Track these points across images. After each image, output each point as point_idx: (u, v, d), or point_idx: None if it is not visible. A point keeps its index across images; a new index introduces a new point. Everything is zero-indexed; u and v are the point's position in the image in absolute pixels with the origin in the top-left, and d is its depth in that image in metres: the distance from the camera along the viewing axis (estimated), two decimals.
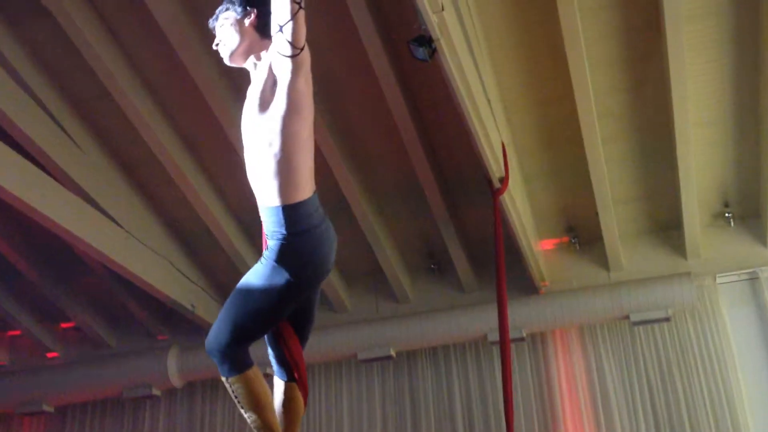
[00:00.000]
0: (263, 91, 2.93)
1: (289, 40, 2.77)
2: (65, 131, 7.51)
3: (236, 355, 2.99)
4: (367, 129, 7.80)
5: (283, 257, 2.93)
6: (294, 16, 2.73)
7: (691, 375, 8.59)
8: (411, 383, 9.48)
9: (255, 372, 3.04)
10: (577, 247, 8.96)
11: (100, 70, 6.83)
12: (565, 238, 9.01)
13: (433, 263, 9.34)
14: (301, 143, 2.92)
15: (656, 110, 7.38)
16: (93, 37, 6.59)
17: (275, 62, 2.88)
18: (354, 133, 7.76)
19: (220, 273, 9.21)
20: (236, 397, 3.04)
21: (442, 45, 5.16)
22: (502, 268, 6.66)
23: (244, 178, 3.13)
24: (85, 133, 7.77)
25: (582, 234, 8.87)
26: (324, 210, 3.08)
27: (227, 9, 3.16)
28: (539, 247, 8.87)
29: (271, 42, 3.03)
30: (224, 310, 3.02)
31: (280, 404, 3.21)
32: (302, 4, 2.73)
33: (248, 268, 3.13)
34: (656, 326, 8.82)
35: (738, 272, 8.86)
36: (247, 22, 3.10)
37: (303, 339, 3.26)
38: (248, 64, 3.12)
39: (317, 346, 8.49)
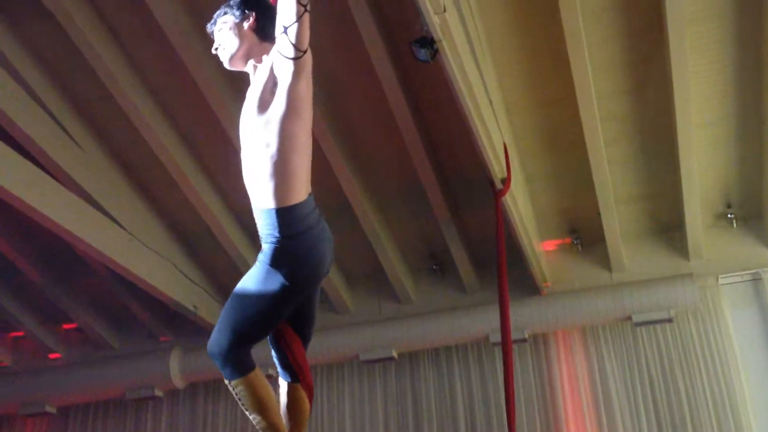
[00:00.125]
0: (263, 92, 2.92)
1: (293, 42, 2.77)
2: (66, 132, 7.51)
3: (237, 358, 2.99)
4: (369, 130, 7.81)
5: (277, 261, 2.93)
6: (299, 18, 2.73)
7: (694, 376, 8.58)
8: (413, 384, 9.48)
9: (257, 374, 3.04)
10: (580, 248, 8.95)
11: (101, 70, 6.83)
12: (568, 239, 9.00)
13: (435, 264, 9.33)
14: (299, 145, 2.92)
15: (659, 112, 7.37)
16: (94, 38, 6.59)
17: (277, 63, 2.88)
18: (356, 134, 7.76)
19: (222, 274, 9.21)
20: (240, 400, 3.04)
21: (444, 46, 5.16)
22: (503, 269, 6.66)
23: None
24: (87, 133, 7.77)
25: (584, 235, 8.87)
26: (321, 211, 3.06)
27: (225, 13, 3.15)
28: (541, 247, 8.86)
29: (270, 45, 3.03)
30: (223, 315, 3.03)
31: (285, 405, 3.22)
32: (308, 7, 2.73)
33: (250, 268, 3.13)
34: (659, 327, 8.81)
35: (740, 273, 8.86)
36: (246, 25, 3.10)
37: (305, 340, 3.25)
38: (248, 67, 3.12)
39: (319, 347, 8.49)
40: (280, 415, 3.13)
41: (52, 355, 10.34)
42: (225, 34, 3.12)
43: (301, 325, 3.22)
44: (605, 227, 8.29)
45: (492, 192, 6.96)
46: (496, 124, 6.71)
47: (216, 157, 7.95)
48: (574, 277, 8.97)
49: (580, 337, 9.12)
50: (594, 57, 6.69)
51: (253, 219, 3.08)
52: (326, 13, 6.17)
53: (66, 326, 10.28)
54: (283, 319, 3.10)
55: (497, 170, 6.75)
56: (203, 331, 9.32)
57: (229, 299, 3.04)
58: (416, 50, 5.28)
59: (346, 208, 8.19)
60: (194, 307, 8.96)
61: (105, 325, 10.15)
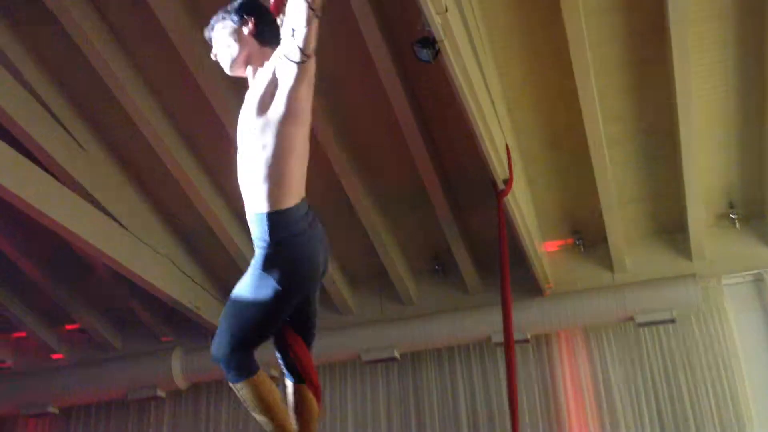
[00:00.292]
0: (263, 95, 2.91)
1: (300, 46, 2.76)
2: (67, 131, 7.50)
3: (240, 361, 2.99)
4: (371, 131, 7.80)
5: (268, 266, 2.93)
6: (309, 23, 2.72)
7: (697, 377, 8.56)
8: (415, 385, 9.48)
9: (261, 376, 3.04)
10: (582, 249, 8.95)
11: (102, 69, 6.83)
12: (570, 240, 8.99)
13: (437, 265, 9.33)
14: (295, 149, 2.90)
15: (661, 112, 7.37)
16: (95, 37, 6.59)
17: (280, 66, 2.86)
18: (358, 135, 7.75)
19: (223, 273, 9.21)
20: (245, 402, 3.04)
21: (446, 46, 5.16)
22: (506, 268, 6.66)
23: None
24: (88, 132, 7.77)
25: (586, 236, 8.86)
26: (318, 213, 3.05)
27: (224, 18, 3.13)
28: (543, 248, 8.86)
29: (269, 49, 3.03)
30: (222, 320, 3.03)
31: (293, 406, 3.21)
32: (318, 14, 2.71)
33: None
34: (661, 328, 8.80)
35: (743, 274, 8.84)
36: (245, 30, 3.08)
37: (308, 342, 3.24)
38: (247, 72, 3.11)
39: (321, 348, 8.35)
40: (287, 416, 3.12)
41: (54, 356, 10.35)
42: (224, 39, 3.11)
43: (303, 327, 3.21)
44: (607, 228, 8.29)
45: (494, 192, 6.96)
46: (498, 125, 6.70)
47: (217, 155, 7.94)
48: (577, 277, 8.96)
49: (583, 338, 9.11)
50: (596, 57, 6.69)
51: None
52: (328, 13, 6.18)
53: (68, 327, 10.29)
54: (282, 321, 3.09)
55: (499, 170, 6.75)
56: (205, 331, 9.35)
57: (226, 305, 3.05)
58: (418, 50, 5.28)
59: (349, 209, 8.19)
60: (196, 306, 8.96)
61: (107, 326, 10.16)
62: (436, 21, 4.93)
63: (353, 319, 9.48)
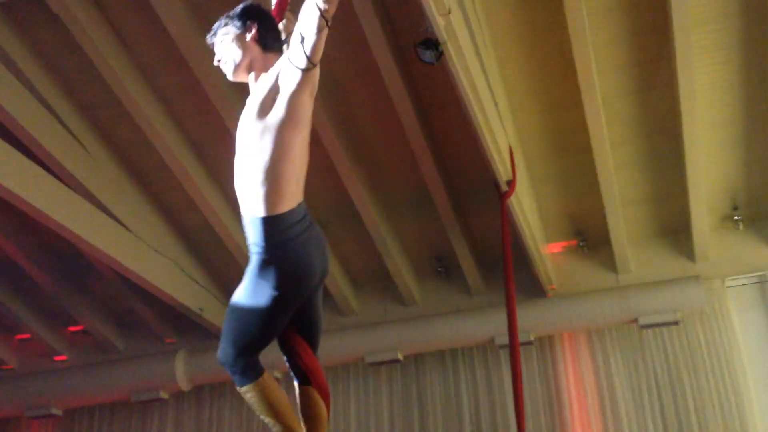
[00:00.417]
0: (265, 99, 2.89)
1: (308, 54, 2.74)
2: (74, 135, 7.55)
3: (245, 366, 2.99)
4: (375, 133, 7.81)
5: (263, 271, 2.91)
6: (320, 32, 2.71)
7: (700, 379, 8.55)
8: (418, 386, 9.47)
9: (266, 379, 3.03)
10: (585, 251, 8.93)
11: (109, 75, 6.87)
12: (573, 241, 8.98)
13: (440, 266, 9.32)
14: (293, 154, 2.89)
15: (664, 113, 7.36)
16: (102, 43, 6.64)
17: (284, 71, 2.85)
18: (361, 136, 7.76)
19: (228, 276, 9.22)
20: (252, 405, 3.04)
21: (449, 48, 5.17)
22: (510, 269, 6.66)
23: None
24: (95, 138, 7.82)
25: (590, 237, 8.85)
26: (312, 218, 3.02)
27: (226, 24, 3.12)
28: (547, 250, 8.85)
29: (272, 55, 3.03)
30: (224, 326, 3.03)
31: (301, 409, 3.20)
32: (329, 23, 2.71)
33: None
34: (665, 330, 8.78)
35: (747, 275, 8.83)
36: (248, 36, 3.07)
37: (313, 345, 3.22)
38: (249, 77, 3.10)
39: (324, 349, 8.30)
40: (294, 418, 3.11)
41: (57, 358, 10.35)
42: (227, 45, 3.10)
43: (307, 329, 3.19)
44: (611, 229, 8.27)
45: (497, 194, 6.96)
46: (501, 126, 6.70)
47: (222, 159, 7.94)
48: (580, 279, 8.95)
49: (586, 340, 9.10)
50: (599, 58, 6.69)
51: None
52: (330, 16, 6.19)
53: (72, 329, 10.30)
54: (283, 325, 3.08)
55: (502, 172, 6.75)
56: (209, 333, 9.35)
57: (227, 310, 3.04)
58: (421, 52, 5.28)
59: (352, 211, 8.19)
60: (200, 309, 8.97)
61: (110, 328, 10.16)
62: (439, 23, 4.94)
63: (356, 321, 9.48)
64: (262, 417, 3.08)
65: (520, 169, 7.38)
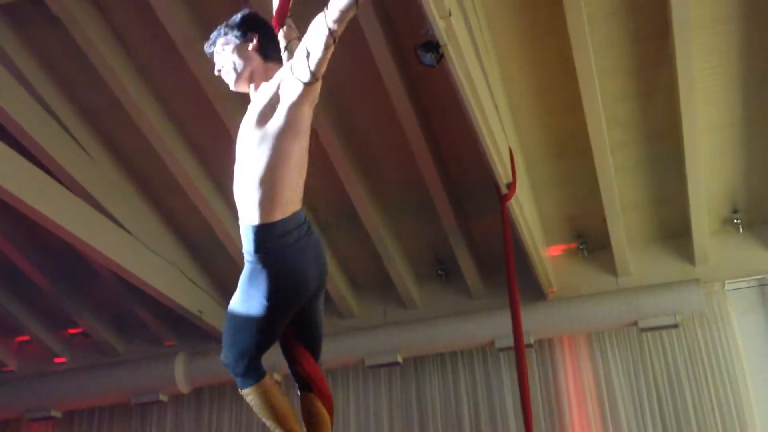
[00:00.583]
0: (265, 108, 2.89)
1: (312, 69, 2.74)
2: (75, 139, 7.57)
3: (245, 369, 2.99)
4: (375, 135, 7.82)
5: (253, 280, 2.91)
6: (327, 49, 2.69)
7: (700, 382, 8.54)
8: (418, 389, 9.46)
9: (268, 382, 3.03)
10: (585, 254, 8.93)
11: (111, 79, 6.89)
12: (573, 245, 8.98)
13: (440, 269, 9.32)
14: (290, 163, 2.88)
15: (665, 117, 7.37)
16: (104, 47, 6.67)
17: (286, 82, 2.84)
18: (362, 139, 7.77)
19: (228, 279, 9.20)
20: (253, 407, 3.04)
21: (450, 50, 5.16)
22: (512, 270, 6.66)
23: None
24: (95, 141, 7.83)
25: (590, 240, 8.85)
26: (311, 226, 3.00)
27: (226, 34, 3.10)
28: (547, 253, 8.85)
29: (272, 64, 3.04)
30: (223, 330, 3.04)
31: (303, 415, 3.19)
32: (336, 40, 2.71)
33: None
34: (664, 333, 8.77)
35: (747, 279, 8.82)
36: (250, 47, 3.07)
37: (314, 352, 3.20)
38: (250, 87, 3.09)
39: (324, 352, 8.31)
40: (296, 422, 3.10)
41: (57, 360, 10.36)
42: (228, 55, 3.09)
43: (308, 336, 3.17)
44: (611, 232, 8.27)
45: (498, 197, 6.95)
46: (501, 129, 6.70)
47: (222, 162, 7.92)
48: (580, 282, 8.95)
49: (586, 343, 9.09)
50: (600, 62, 6.69)
51: None
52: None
53: (71, 331, 10.29)
54: (281, 331, 3.06)
55: (502, 174, 6.75)
56: (208, 336, 9.34)
57: (225, 316, 3.05)
58: (421, 54, 5.29)
59: (352, 214, 8.19)
60: (199, 312, 8.97)
61: (110, 330, 10.16)
62: (439, 25, 4.94)
63: (356, 324, 9.47)
64: (263, 420, 3.08)
65: (521, 171, 7.38)
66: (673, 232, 8.72)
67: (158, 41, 6.69)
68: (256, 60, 3.06)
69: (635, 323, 8.63)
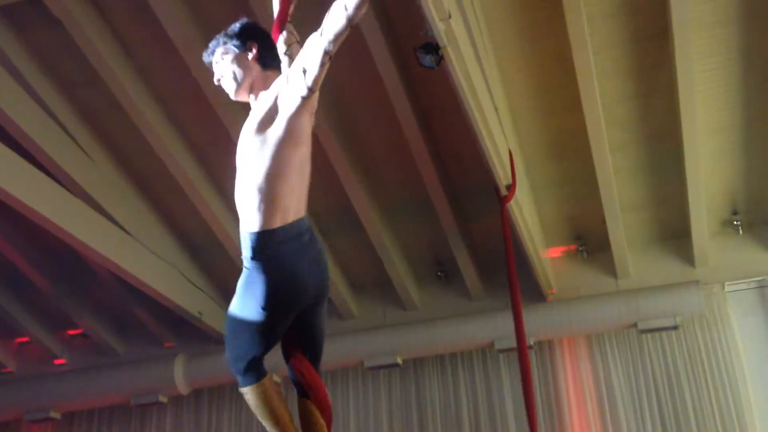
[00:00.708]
0: (264, 117, 2.89)
1: (309, 85, 2.76)
2: (75, 141, 7.57)
3: (246, 368, 3.00)
4: (375, 137, 7.82)
5: (249, 286, 2.91)
6: (323, 67, 2.72)
7: (700, 383, 8.54)
8: (418, 391, 9.46)
9: (267, 383, 3.03)
10: (585, 255, 8.93)
11: (111, 80, 6.89)
12: (573, 246, 8.98)
13: (440, 271, 9.32)
14: (290, 171, 2.88)
15: (664, 118, 7.36)
16: (104, 48, 6.66)
17: (284, 95, 2.85)
18: (361, 141, 7.77)
19: (228, 280, 9.20)
20: (251, 406, 3.05)
21: (449, 52, 5.17)
22: (513, 271, 6.66)
23: None
24: (95, 142, 7.83)
25: (590, 242, 8.85)
26: (313, 234, 3.00)
27: (225, 43, 3.10)
28: (547, 254, 8.84)
29: (271, 73, 3.04)
30: (224, 332, 3.05)
31: (300, 419, 3.19)
32: (332, 58, 2.72)
33: None
34: (664, 334, 8.78)
35: (747, 280, 8.82)
36: (249, 56, 3.06)
37: (314, 359, 3.19)
38: (251, 97, 3.09)
39: (324, 354, 8.41)
40: (292, 425, 3.10)
41: (56, 361, 10.35)
42: (228, 65, 3.08)
43: (308, 342, 3.16)
44: (611, 234, 8.27)
45: (497, 198, 6.95)
46: (501, 130, 6.70)
47: (222, 163, 7.93)
48: (580, 284, 8.94)
49: (586, 344, 9.09)
50: (599, 63, 6.69)
51: None
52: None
53: (71, 332, 10.29)
54: (280, 335, 3.05)
55: (502, 176, 6.75)
56: (208, 337, 9.34)
57: (225, 318, 3.05)
58: (421, 56, 5.29)
59: (352, 215, 8.18)
60: (199, 313, 8.97)
61: (110, 331, 10.16)
62: (439, 27, 4.94)
63: (356, 325, 9.47)
64: (260, 420, 3.08)
65: (520, 173, 7.38)
66: (673, 234, 8.72)
67: (158, 42, 6.69)
68: (256, 69, 3.06)
69: (635, 325, 8.63)
